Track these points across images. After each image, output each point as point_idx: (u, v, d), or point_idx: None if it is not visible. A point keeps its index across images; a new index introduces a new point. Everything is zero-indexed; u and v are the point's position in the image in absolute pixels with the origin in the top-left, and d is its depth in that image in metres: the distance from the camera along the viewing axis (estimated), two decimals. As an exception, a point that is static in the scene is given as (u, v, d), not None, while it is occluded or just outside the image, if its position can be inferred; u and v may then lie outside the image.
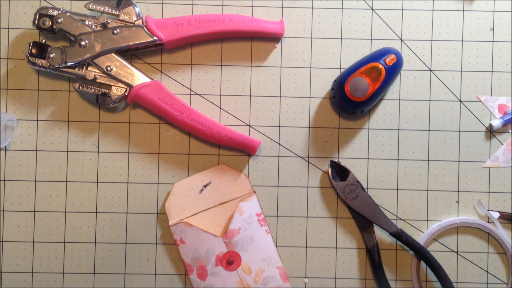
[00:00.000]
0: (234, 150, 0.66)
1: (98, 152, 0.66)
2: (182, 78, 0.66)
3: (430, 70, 0.66)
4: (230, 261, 0.64)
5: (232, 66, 0.66)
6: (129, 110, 0.66)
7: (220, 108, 0.66)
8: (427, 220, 0.66)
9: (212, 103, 0.66)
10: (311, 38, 0.66)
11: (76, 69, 0.63)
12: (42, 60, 0.63)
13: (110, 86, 0.64)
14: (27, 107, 0.66)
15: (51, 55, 0.63)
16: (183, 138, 0.66)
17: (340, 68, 0.66)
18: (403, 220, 0.66)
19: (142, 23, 0.64)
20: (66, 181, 0.66)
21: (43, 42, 0.64)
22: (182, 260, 0.64)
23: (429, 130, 0.66)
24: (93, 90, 0.64)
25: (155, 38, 0.63)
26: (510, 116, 0.66)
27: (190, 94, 0.66)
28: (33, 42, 0.63)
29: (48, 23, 0.63)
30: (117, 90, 0.64)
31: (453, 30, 0.67)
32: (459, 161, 0.66)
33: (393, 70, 0.63)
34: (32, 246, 0.66)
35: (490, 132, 0.66)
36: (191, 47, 0.66)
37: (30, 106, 0.66)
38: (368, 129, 0.66)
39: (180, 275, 0.66)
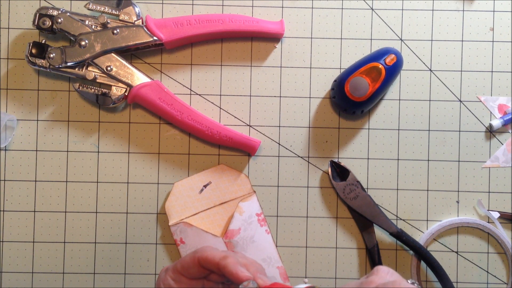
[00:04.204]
0: (234, 150, 0.66)
1: (98, 152, 0.66)
2: (182, 78, 0.66)
3: (430, 70, 0.66)
4: (230, 261, 0.64)
5: (232, 66, 0.66)
6: (129, 110, 0.66)
7: (220, 108, 0.66)
8: (427, 220, 0.66)
9: (212, 103, 0.66)
10: (311, 38, 0.66)
11: (76, 69, 0.63)
12: (42, 60, 0.63)
13: (110, 86, 0.64)
14: (27, 107, 0.66)
15: (51, 55, 0.63)
16: (183, 138, 0.66)
17: (340, 68, 0.66)
18: (403, 220, 0.66)
19: (142, 23, 0.64)
20: (66, 181, 0.66)
21: (43, 42, 0.64)
22: (182, 260, 0.64)
23: (429, 130, 0.66)
24: (93, 90, 0.64)
25: (155, 38, 0.63)
26: (510, 116, 0.66)
27: (190, 94, 0.66)
28: (33, 42, 0.63)
29: (48, 23, 0.63)
30: (117, 90, 0.64)
31: (453, 30, 0.67)
32: (459, 161, 0.66)
33: (393, 70, 0.63)
34: (32, 246, 0.66)
35: (490, 132, 0.66)
36: (191, 47, 0.66)
37: (30, 106, 0.66)
38: (368, 129, 0.66)
39: (180, 275, 0.66)
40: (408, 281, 0.51)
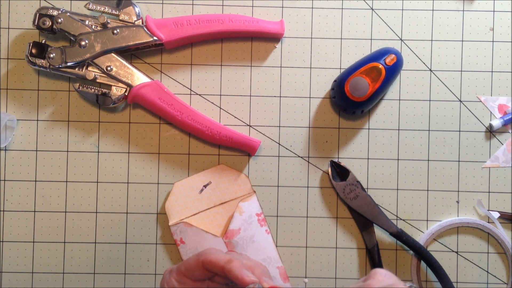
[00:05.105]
0: (234, 150, 0.66)
1: (98, 152, 0.66)
2: (182, 78, 0.66)
3: (430, 70, 0.66)
4: (230, 261, 0.64)
5: (232, 66, 0.66)
6: (129, 110, 0.66)
7: (220, 108, 0.66)
8: (427, 220, 0.66)
9: (212, 103, 0.66)
10: (311, 38, 0.66)
11: (76, 69, 0.63)
12: (42, 60, 0.63)
13: (110, 86, 0.64)
14: (27, 107, 0.66)
15: (51, 55, 0.63)
16: (183, 138, 0.66)
17: (340, 68, 0.66)
18: (403, 220, 0.66)
19: (142, 23, 0.64)
20: (66, 181, 0.66)
21: (43, 42, 0.64)
22: (182, 260, 0.64)
23: (429, 130, 0.66)
24: (93, 90, 0.64)
25: (155, 38, 0.63)
26: (510, 116, 0.66)
27: (190, 94, 0.66)
28: (33, 42, 0.63)
29: (48, 23, 0.63)
30: (117, 90, 0.64)
31: (453, 30, 0.67)
32: (459, 161, 0.66)
33: (393, 70, 0.63)
34: (32, 246, 0.66)
35: (490, 132, 0.66)
36: (191, 47, 0.66)
37: (30, 106, 0.66)
38: (368, 129, 0.66)
39: (180, 275, 0.66)
40: (406, 284, 0.51)
